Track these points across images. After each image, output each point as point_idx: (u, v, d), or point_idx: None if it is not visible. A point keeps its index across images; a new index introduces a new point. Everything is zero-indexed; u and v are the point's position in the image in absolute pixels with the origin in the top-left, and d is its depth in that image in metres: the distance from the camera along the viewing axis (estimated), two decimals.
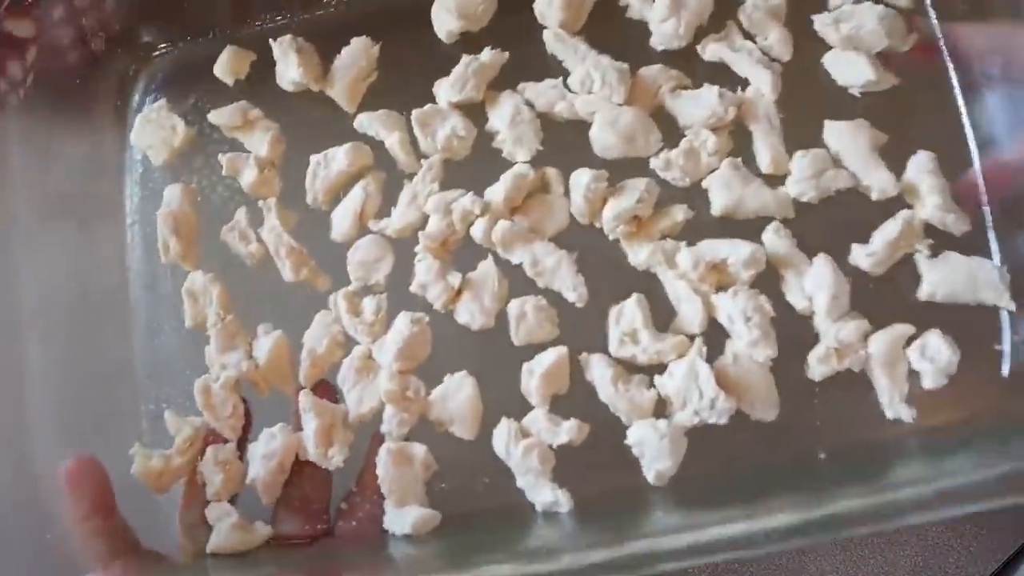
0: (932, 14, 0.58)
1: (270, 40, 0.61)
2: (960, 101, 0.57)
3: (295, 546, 0.55)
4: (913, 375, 0.53)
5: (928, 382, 0.53)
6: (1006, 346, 0.53)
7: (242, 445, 0.57)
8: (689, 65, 0.59)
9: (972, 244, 0.54)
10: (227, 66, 0.62)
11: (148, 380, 0.60)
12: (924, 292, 0.54)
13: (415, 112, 0.59)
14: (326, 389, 0.57)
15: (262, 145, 0.61)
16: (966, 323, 0.54)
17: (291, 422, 0.56)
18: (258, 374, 0.57)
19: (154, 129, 0.62)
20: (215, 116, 0.61)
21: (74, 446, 0.55)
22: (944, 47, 0.57)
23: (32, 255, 0.59)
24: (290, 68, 0.60)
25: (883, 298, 0.54)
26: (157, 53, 0.63)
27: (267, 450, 0.55)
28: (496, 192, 0.57)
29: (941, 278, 0.53)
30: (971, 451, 0.50)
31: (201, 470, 0.56)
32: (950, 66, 0.57)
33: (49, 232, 0.60)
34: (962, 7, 0.57)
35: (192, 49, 0.64)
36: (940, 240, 0.55)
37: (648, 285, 0.56)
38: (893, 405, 0.53)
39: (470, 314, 0.56)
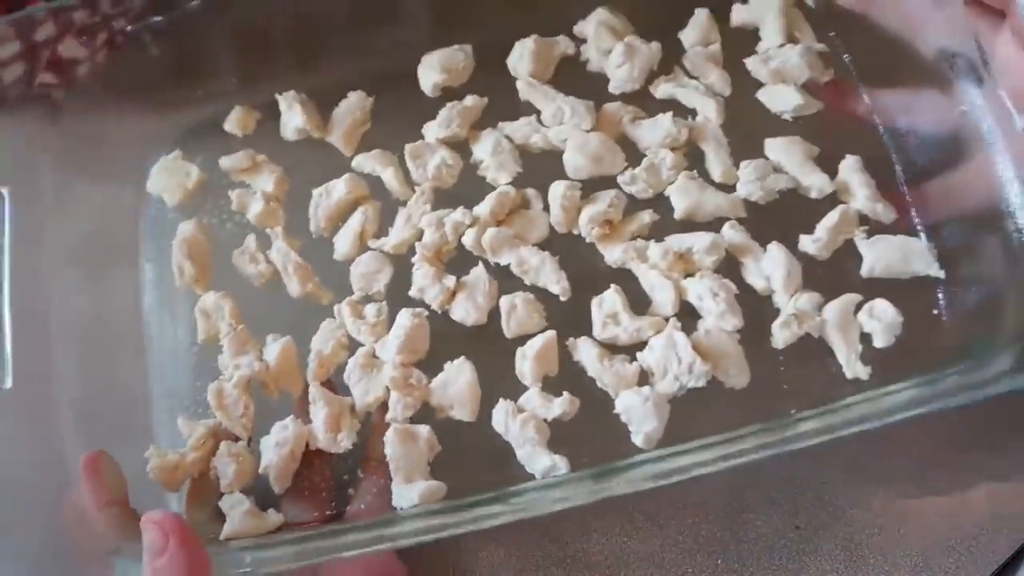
0: (845, 54, 0.68)
1: (276, 95, 0.69)
2: (880, 127, 0.66)
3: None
4: (865, 340, 0.60)
5: (879, 341, 0.59)
6: (942, 310, 0.61)
7: (251, 444, 0.61)
8: (644, 104, 0.68)
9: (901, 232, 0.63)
10: (236, 121, 0.69)
11: (161, 394, 0.64)
12: (865, 269, 0.61)
13: (408, 146, 0.67)
14: (330, 388, 0.61)
15: (268, 183, 0.67)
16: (906, 295, 0.61)
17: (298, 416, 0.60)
18: (268, 375, 0.61)
19: (169, 175, 0.68)
20: (225, 161, 0.68)
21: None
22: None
23: (55, 284, 0.63)
24: (294, 117, 0.68)
25: (831, 278, 0.62)
26: (173, 111, 0.71)
27: (280, 438, 0.59)
28: (483, 207, 0.64)
29: (878, 255, 0.61)
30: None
31: (215, 464, 0.59)
32: (868, 100, 0.67)
33: (71, 265, 0.64)
34: (868, 44, 0.68)
35: (205, 108, 0.71)
36: (874, 230, 0.63)
37: (624, 280, 0.63)
38: (850, 365, 0.59)
39: (464, 311, 0.62)
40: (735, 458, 0.52)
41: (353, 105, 0.69)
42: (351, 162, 0.68)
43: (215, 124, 0.70)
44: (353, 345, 0.63)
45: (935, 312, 0.61)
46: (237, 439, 0.60)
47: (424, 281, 0.63)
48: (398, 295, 0.64)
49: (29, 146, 0.65)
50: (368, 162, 0.68)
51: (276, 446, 0.58)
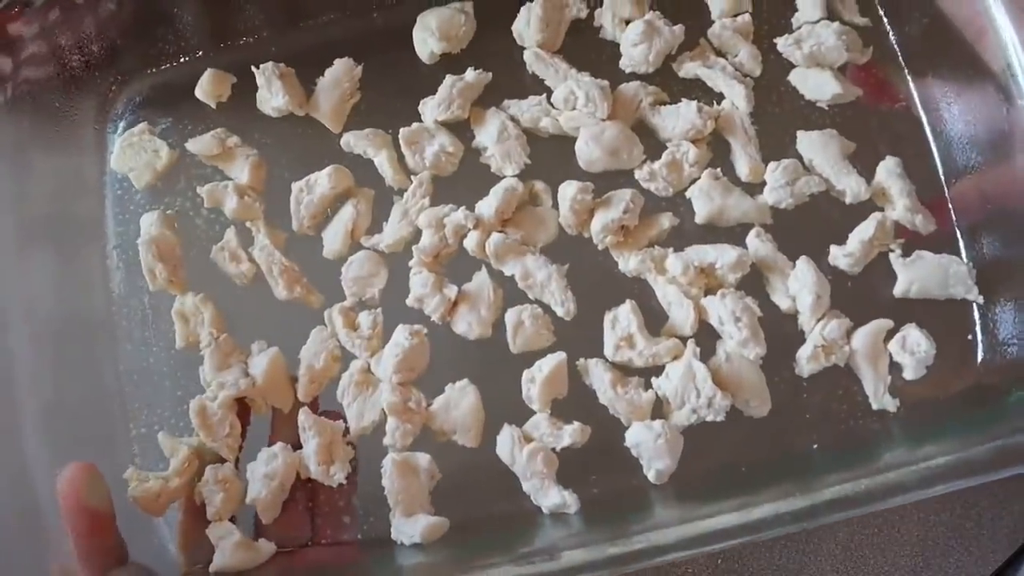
0: (890, 32, 0.62)
1: (252, 68, 0.61)
2: (923, 117, 0.60)
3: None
4: (894, 367, 0.56)
5: (909, 373, 0.56)
6: (978, 335, 0.57)
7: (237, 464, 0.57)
8: (665, 82, 0.62)
9: (940, 243, 0.58)
10: (208, 88, 0.62)
11: (139, 403, 0.59)
12: (899, 289, 0.57)
13: (402, 131, 0.60)
14: (316, 406, 0.58)
15: (243, 172, 0.61)
16: (939, 316, 0.57)
17: (270, 437, 0.57)
18: (256, 391, 0.57)
19: (136, 152, 0.61)
20: (192, 145, 0.61)
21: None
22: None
23: (14, 275, 0.58)
24: (275, 96, 0.61)
25: (862, 296, 0.58)
26: (137, 75, 0.63)
27: (268, 470, 0.55)
28: (487, 205, 0.58)
29: (914, 275, 0.57)
30: (950, 435, 0.53)
31: (200, 490, 0.55)
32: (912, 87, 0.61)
33: (31, 252, 0.59)
34: (918, 24, 0.61)
35: (172, 71, 0.63)
36: (911, 240, 0.58)
37: (638, 291, 0.58)
38: (878, 397, 0.56)
39: (467, 324, 0.57)
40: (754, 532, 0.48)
41: (339, 75, 0.62)
42: (339, 140, 0.61)
43: (185, 90, 0.62)
44: (346, 357, 0.58)
45: (969, 338, 0.57)
46: (222, 460, 0.56)
47: (423, 290, 0.58)
48: (394, 301, 0.59)
49: None
50: (359, 143, 0.61)
51: (265, 477, 0.55)
